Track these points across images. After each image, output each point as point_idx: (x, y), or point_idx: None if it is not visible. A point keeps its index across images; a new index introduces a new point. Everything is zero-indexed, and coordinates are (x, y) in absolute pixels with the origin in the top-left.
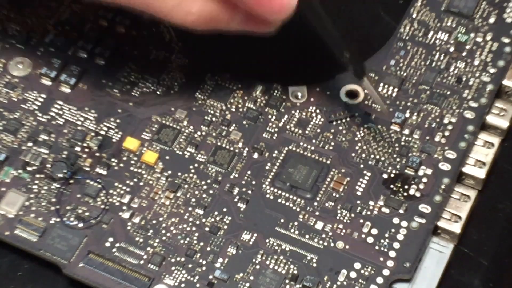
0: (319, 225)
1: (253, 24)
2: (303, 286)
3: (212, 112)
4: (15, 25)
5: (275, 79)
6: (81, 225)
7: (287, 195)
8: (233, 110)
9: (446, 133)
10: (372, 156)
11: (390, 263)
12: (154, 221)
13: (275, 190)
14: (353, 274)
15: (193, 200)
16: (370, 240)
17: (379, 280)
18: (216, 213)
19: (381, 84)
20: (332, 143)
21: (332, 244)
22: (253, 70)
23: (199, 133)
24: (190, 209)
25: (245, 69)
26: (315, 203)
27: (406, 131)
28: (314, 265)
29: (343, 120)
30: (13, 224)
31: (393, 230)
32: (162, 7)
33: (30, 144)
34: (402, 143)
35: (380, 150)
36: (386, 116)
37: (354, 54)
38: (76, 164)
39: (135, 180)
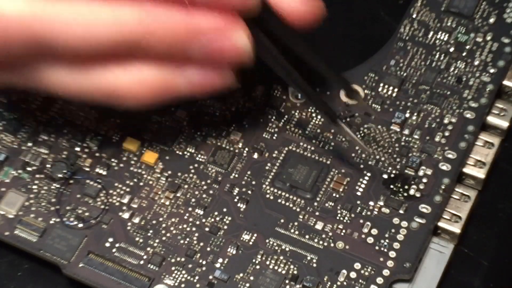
0: (319, 225)
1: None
2: (303, 286)
3: (212, 112)
4: None
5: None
6: (81, 225)
7: (287, 195)
8: (233, 110)
9: (446, 133)
10: (372, 156)
11: (390, 263)
12: (154, 221)
13: (275, 190)
14: (353, 274)
15: (193, 200)
16: (370, 240)
17: (379, 280)
18: (216, 213)
19: (381, 84)
20: (332, 143)
21: (332, 244)
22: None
23: (199, 133)
24: (190, 209)
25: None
26: (315, 203)
27: (406, 131)
28: (314, 265)
29: (343, 120)
30: (13, 224)
31: (393, 230)
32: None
33: (30, 144)
34: (402, 143)
35: (380, 150)
36: (368, 155)
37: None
38: (76, 164)
39: (135, 180)
